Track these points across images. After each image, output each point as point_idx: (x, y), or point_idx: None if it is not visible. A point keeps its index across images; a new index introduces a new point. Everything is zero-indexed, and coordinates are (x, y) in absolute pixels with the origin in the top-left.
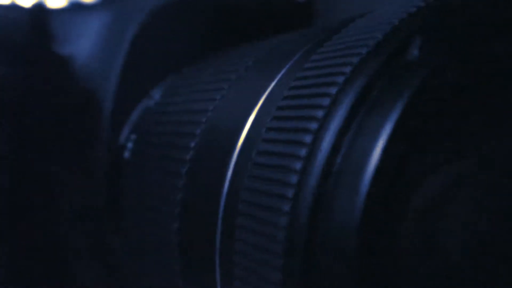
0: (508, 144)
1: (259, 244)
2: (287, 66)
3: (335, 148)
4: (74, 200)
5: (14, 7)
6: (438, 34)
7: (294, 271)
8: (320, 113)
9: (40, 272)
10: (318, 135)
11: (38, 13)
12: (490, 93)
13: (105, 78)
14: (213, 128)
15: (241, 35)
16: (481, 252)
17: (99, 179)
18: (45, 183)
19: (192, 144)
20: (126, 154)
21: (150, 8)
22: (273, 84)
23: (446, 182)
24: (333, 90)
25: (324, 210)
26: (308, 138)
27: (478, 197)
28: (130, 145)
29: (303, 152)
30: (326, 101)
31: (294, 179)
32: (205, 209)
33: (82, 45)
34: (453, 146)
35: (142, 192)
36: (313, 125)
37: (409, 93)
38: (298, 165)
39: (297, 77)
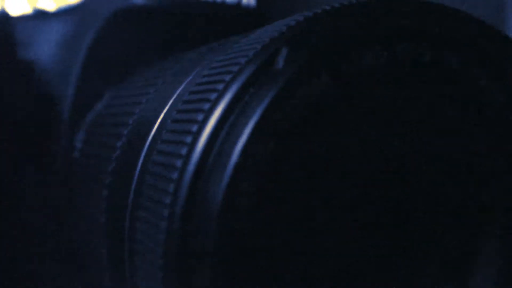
0: (368, 144)
1: (152, 216)
2: (194, 73)
3: (208, 147)
4: (35, 197)
5: None
6: (303, 46)
7: (175, 234)
8: (200, 116)
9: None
10: (196, 136)
11: (1, 20)
12: (354, 98)
13: (64, 83)
14: (136, 128)
15: (193, 41)
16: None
17: (54, 178)
18: (6, 184)
19: (120, 143)
20: (76, 154)
21: (106, 16)
22: (180, 89)
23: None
24: (213, 95)
25: (197, 201)
26: (188, 139)
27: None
28: (79, 145)
29: (184, 151)
30: (206, 106)
31: (175, 175)
32: (123, 185)
33: (44, 51)
34: (314, 144)
35: (83, 179)
36: (194, 127)
37: (269, 98)
38: (178, 163)
39: (196, 83)
